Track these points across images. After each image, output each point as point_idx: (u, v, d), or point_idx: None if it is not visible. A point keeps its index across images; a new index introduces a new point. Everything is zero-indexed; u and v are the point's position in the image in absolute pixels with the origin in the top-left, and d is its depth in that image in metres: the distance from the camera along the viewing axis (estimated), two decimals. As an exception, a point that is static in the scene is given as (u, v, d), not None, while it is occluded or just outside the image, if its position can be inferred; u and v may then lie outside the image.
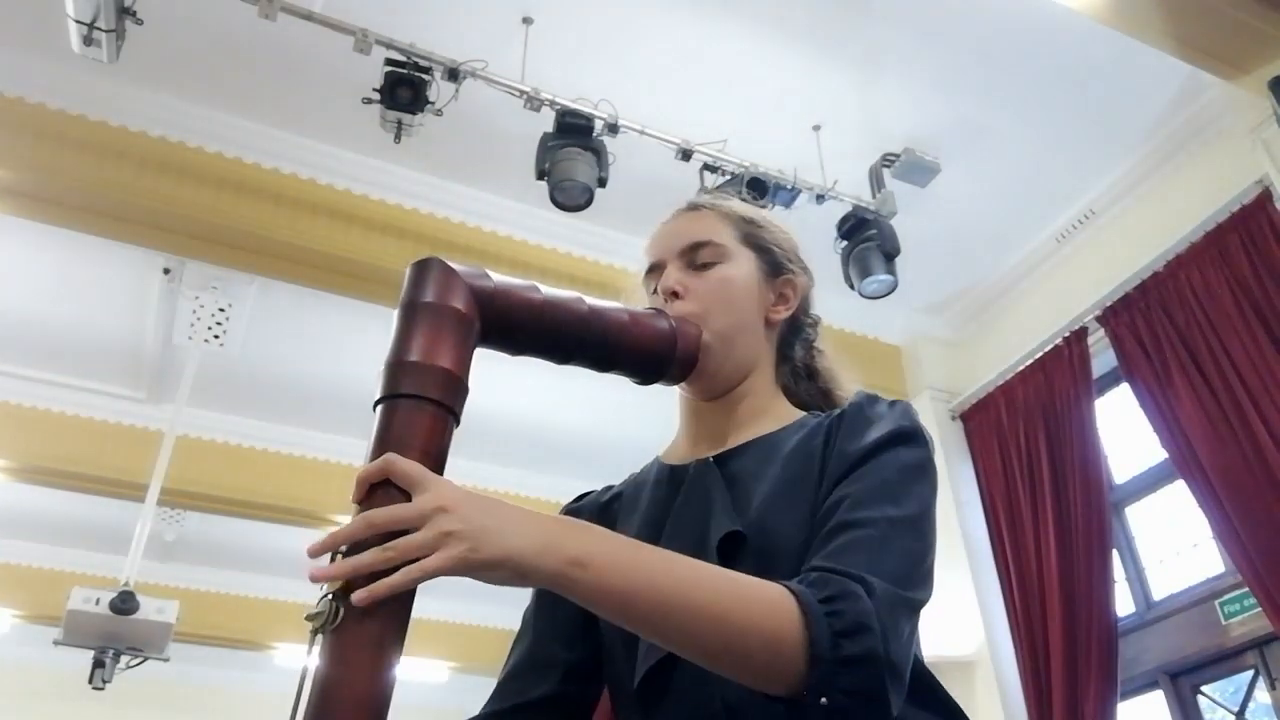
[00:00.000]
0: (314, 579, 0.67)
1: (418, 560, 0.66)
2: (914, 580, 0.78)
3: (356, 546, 0.67)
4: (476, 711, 0.95)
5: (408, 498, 0.69)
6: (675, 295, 0.99)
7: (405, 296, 0.80)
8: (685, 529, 0.91)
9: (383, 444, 0.72)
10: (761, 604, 0.71)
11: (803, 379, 1.08)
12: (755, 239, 1.06)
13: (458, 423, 0.77)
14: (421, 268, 0.81)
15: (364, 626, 0.65)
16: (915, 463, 0.87)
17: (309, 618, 0.66)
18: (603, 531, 0.74)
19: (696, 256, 1.02)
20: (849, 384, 1.09)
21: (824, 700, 0.70)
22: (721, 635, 0.71)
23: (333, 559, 0.68)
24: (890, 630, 0.72)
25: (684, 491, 0.96)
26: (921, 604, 0.79)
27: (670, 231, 1.07)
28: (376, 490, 0.70)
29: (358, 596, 0.64)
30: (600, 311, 0.90)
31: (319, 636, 0.66)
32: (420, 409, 0.74)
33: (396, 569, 0.66)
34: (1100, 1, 2.93)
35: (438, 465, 0.73)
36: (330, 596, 0.66)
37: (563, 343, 0.88)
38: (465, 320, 0.79)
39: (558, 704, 0.95)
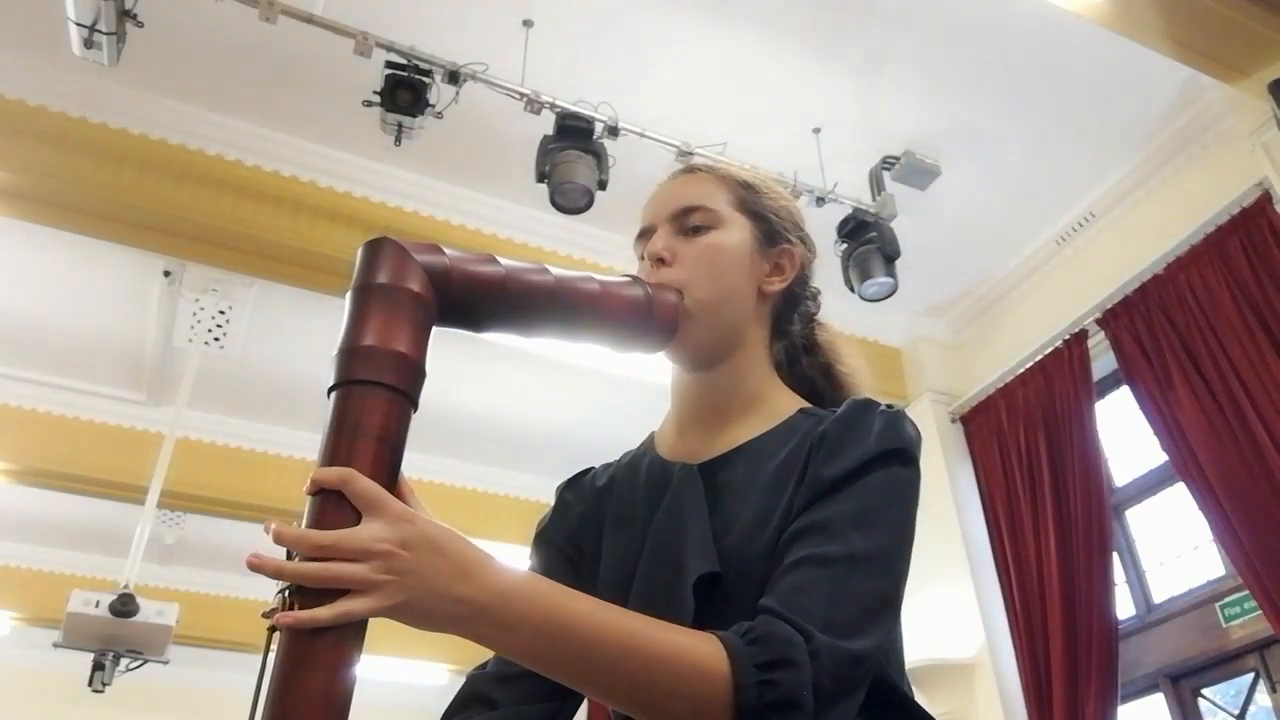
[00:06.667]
0: (250, 566, 0.65)
1: (346, 591, 0.65)
2: (870, 627, 0.76)
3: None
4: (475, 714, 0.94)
5: (359, 516, 0.67)
6: (662, 261, 0.96)
7: (357, 279, 0.77)
8: (662, 555, 0.90)
9: (338, 432, 0.70)
10: (692, 673, 0.70)
11: (801, 354, 1.04)
12: (751, 205, 1.02)
13: (415, 408, 0.75)
14: (373, 248, 0.78)
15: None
16: (893, 487, 0.83)
17: (265, 614, 0.65)
18: (532, 592, 0.71)
19: (688, 221, 0.98)
20: (851, 359, 1.06)
21: None
22: (649, 700, 0.71)
23: (289, 556, 0.67)
24: (828, 698, 0.71)
25: (665, 504, 0.93)
26: (875, 653, 0.77)
27: (663, 195, 1.03)
28: (330, 498, 0.68)
29: (279, 618, 0.64)
30: (568, 282, 0.86)
31: (276, 632, 0.65)
32: (376, 395, 0.71)
33: (331, 590, 0.65)
34: (1100, 4, 2.93)
35: (395, 453, 0.72)
36: (285, 591, 0.65)
37: (527, 317, 0.85)
38: (420, 301, 0.77)
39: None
